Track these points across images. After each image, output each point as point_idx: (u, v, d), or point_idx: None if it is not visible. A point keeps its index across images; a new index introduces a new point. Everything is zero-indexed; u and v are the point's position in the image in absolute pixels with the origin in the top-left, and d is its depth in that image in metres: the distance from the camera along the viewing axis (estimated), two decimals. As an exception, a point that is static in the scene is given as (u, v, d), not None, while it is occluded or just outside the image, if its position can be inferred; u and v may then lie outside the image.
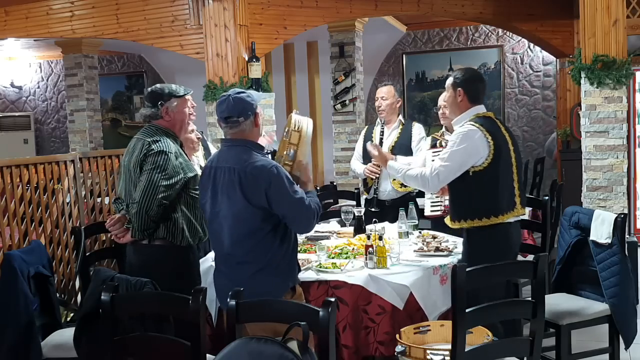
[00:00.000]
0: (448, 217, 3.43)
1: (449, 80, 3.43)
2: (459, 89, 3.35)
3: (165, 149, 3.15)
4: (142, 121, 3.34)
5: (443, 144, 4.29)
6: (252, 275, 2.82)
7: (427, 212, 4.27)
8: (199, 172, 3.83)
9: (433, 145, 4.39)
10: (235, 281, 2.79)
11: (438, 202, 4.19)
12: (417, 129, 4.72)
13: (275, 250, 2.84)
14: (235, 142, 2.90)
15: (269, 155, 3.27)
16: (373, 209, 4.50)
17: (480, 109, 3.36)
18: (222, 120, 2.90)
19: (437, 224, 4.25)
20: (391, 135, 4.68)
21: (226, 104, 2.87)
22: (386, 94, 4.71)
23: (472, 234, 3.27)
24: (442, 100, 4.31)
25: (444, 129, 4.46)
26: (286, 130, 3.08)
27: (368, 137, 4.75)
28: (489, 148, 3.19)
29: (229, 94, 2.90)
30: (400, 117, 4.79)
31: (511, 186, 3.27)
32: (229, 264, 2.91)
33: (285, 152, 3.00)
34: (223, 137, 3.01)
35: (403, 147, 4.61)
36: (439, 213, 4.16)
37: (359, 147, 4.86)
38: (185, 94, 3.35)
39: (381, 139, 4.67)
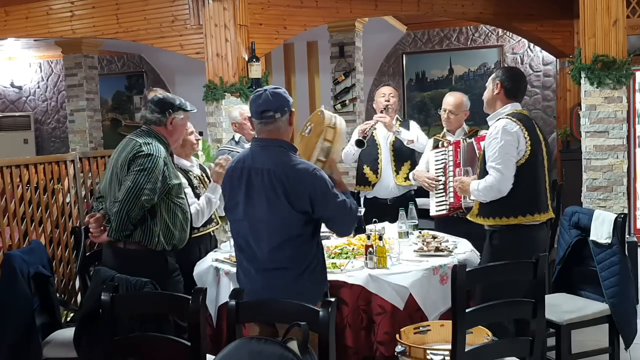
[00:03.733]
0: (473, 211, 3.42)
1: (492, 75, 3.46)
2: (498, 81, 3.37)
3: (154, 153, 3.13)
4: (142, 123, 3.33)
5: (445, 144, 4.29)
6: (289, 281, 2.71)
7: (432, 213, 4.26)
8: (199, 173, 3.85)
9: (435, 147, 4.39)
10: (269, 287, 2.70)
11: (443, 200, 4.18)
12: (414, 124, 4.80)
13: (313, 256, 2.76)
14: (271, 142, 2.74)
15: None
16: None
17: (517, 106, 3.37)
18: (256, 115, 2.74)
19: (440, 223, 4.26)
20: (391, 132, 4.68)
21: (263, 97, 2.71)
22: (393, 91, 4.75)
23: (498, 234, 3.27)
24: (447, 104, 4.30)
25: (445, 130, 4.46)
26: (308, 125, 3.00)
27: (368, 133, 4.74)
28: (526, 143, 3.20)
29: (266, 88, 2.76)
30: (397, 115, 4.81)
31: (544, 188, 3.28)
32: (263, 270, 2.75)
33: (318, 149, 2.87)
34: (255, 135, 2.86)
35: (399, 140, 4.63)
36: (444, 212, 4.16)
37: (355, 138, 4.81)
38: (192, 110, 3.38)
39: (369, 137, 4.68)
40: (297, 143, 2.98)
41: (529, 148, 3.20)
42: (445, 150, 4.24)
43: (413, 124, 4.81)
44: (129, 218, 3.06)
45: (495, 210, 3.27)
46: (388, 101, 4.68)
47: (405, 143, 4.58)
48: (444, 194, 4.18)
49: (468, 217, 3.49)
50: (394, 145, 4.66)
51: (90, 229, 3.22)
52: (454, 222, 4.05)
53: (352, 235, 3.90)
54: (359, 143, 4.54)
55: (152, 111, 3.27)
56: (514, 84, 3.38)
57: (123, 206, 3.05)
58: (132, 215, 3.06)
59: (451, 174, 4.11)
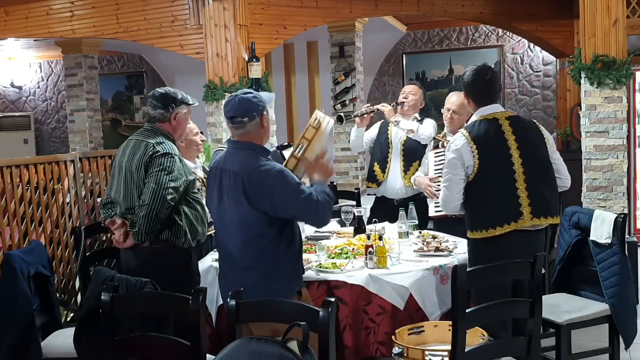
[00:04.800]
0: None
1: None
2: (464, 92, 3.36)
3: (170, 151, 3.16)
4: (146, 121, 3.32)
5: (445, 144, 4.27)
6: (258, 280, 2.80)
7: (431, 213, 4.26)
8: (202, 175, 3.85)
9: (435, 147, 4.37)
10: (241, 286, 2.73)
11: None
12: (428, 120, 4.70)
13: (280, 255, 2.82)
14: (242, 144, 2.86)
15: (278, 151, 3.27)
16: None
17: (485, 110, 3.27)
18: (228, 119, 2.87)
19: (439, 224, 4.25)
20: (402, 131, 4.66)
21: (231, 103, 2.83)
22: (414, 90, 4.70)
23: (472, 245, 3.28)
24: (451, 104, 4.23)
25: (445, 130, 4.44)
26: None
27: (383, 129, 4.75)
28: (473, 158, 3.13)
29: (237, 94, 2.87)
30: (417, 114, 4.77)
31: (513, 195, 3.14)
32: (234, 267, 2.88)
33: (298, 146, 2.98)
34: (230, 137, 2.99)
35: (415, 142, 4.60)
36: (442, 213, 4.14)
37: (371, 133, 4.81)
38: (194, 104, 3.39)
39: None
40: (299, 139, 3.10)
41: (477, 161, 3.12)
42: (444, 152, 4.21)
43: (427, 120, 4.71)
44: (158, 219, 3.09)
45: (467, 223, 3.27)
46: (406, 97, 4.67)
47: (405, 132, 4.56)
48: None
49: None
50: (405, 144, 4.63)
51: (115, 237, 3.22)
52: (452, 223, 4.04)
53: (352, 235, 3.92)
54: (339, 118, 4.62)
55: (155, 107, 3.26)
56: (475, 88, 3.28)
57: (151, 209, 3.06)
58: (160, 215, 3.09)
59: None
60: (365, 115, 4.66)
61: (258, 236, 2.79)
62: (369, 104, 4.72)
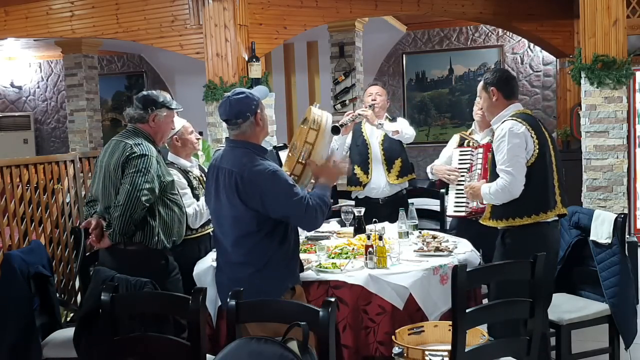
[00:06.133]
0: (485, 215, 3.39)
1: (480, 84, 3.42)
2: (492, 88, 3.35)
3: (147, 152, 3.17)
4: (127, 121, 3.36)
5: (471, 143, 4.21)
6: (250, 275, 2.85)
7: (449, 212, 4.22)
8: (198, 173, 3.85)
9: (460, 145, 4.31)
10: (234, 280, 2.83)
11: (463, 202, 4.08)
12: (401, 119, 4.78)
13: (273, 252, 2.86)
14: (237, 143, 2.91)
15: (274, 151, 3.26)
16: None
17: (519, 105, 3.36)
18: (223, 121, 2.93)
19: (454, 222, 4.27)
20: (379, 130, 4.67)
21: (224, 107, 2.88)
22: (380, 90, 4.75)
23: (510, 233, 3.25)
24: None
25: (474, 126, 4.36)
26: (305, 120, 3.06)
27: (357, 133, 4.74)
28: (534, 143, 3.19)
29: (229, 95, 2.90)
30: (387, 113, 4.81)
31: (552, 185, 3.25)
32: (229, 263, 2.94)
33: (301, 152, 2.98)
34: (228, 136, 3.02)
35: (391, 140, 4.64)
36: (462, 214, 4.10)
37: (346, 138, 4.78)
38: (176, 109, 3.41)
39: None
40: (296, 135, 3.11)
41: (537, 147, 3.19)
42: (472, 151, 4.10)
43: (400, 119, 4.80)
44: (132, 220, 3.10)
45: (508, 211, 3.24)
46: (374, 100, 4.68)
47: (390, 135, 4.58)
48: (465, 196, 4.11)
49: (481, 221, 3.45)
50: (384, 144, 4.65)
51: (93, 236, 3.23)
52: (468, 222, 4.02)
53: (352, 235, 3.92)
54: (335, 129, 4.57)
55: (135, 107, 3.31)
56: (507, 84, 3.36)
57: (125, 209, 3.08)
58: (134, 217, 3.10)
59: (476, 177, 3.92)
60: (349, 124, 4.62)
61: (251, 233, 2.83)
62: (350, 112, 4.71)
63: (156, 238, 3.20)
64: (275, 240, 2.87)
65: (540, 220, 3.20)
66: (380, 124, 4.57)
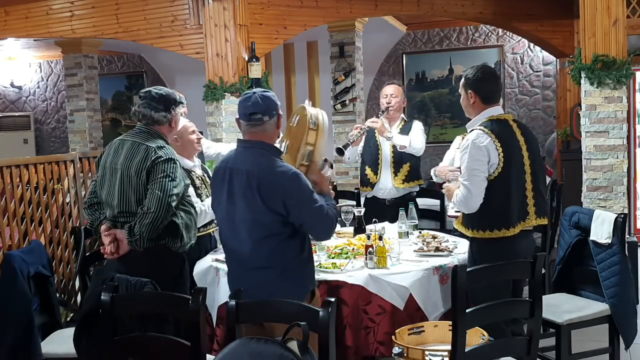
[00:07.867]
0: (458, 219, 3.34)
1: (462, 81, 3.29)
2: (470, 90, 3.22)
3: (172, 157, 3.12)
4: (142, 122, 3.22)
5: None
6: (272, 280, 2.73)
7: (450, 212, 4.24)
8: (200, 173, 3.85)
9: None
10: (254, 286, 2.71)
11: None
12: (417, 125, 4.71)
13: (295, 254, 2.76)
14: (254, 143, 2.77)
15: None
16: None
17: (495, 110, 3.21)
18: (245, 117, 2.76)
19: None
20: (393, 131, 4.67)
21: (252, 100, 2.73)
22: (395, 91, 4.72)
23: (477, 245, 3.21)
24: None
25: None
26: (296, 117, 2.98)
27: (370, 133, 4.74)
28: (498, 156, 3.06)
29: (254, 91, 2.78)
30: (403, 115, 4.81)
31: (523, 195, 3.14)
32: (246, 268, 2.78)
33: (301, 154, 2.89)
34: (240, 137, 2.89)
35: None
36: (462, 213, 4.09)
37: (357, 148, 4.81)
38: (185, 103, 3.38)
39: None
40: (286, 135, 3.04)
41: (502, 161, 3.06)
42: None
43: (416, 124, 4.71)
44: (161, 226, 3.05)
45: (473, 222, 3.19)
46: (389, 102, 4.68)
47: (398, 149, 4.57)
48: None
49: (454, 224, 3.41)
50: (394, 147, 4.65)
51: (111, 250, 3.13)
52: None
53: (352, 235, 3.92)
54: (339, 151, 4.58)
55: (156, 109, 3.18)
56: (487, 87, 3.21)
57: (157, 216, 3.01)
58: (164, 223, 3.06)
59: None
60: (358, 138, 4.63)
61: (271, 236, 2.71)
62: (359, 125, 4.71)
63: (179, 242, 3.16)
64: (297, 242, 2.76)
65: (502, 235, 3.11)
66: (389, 137, 4.57)
